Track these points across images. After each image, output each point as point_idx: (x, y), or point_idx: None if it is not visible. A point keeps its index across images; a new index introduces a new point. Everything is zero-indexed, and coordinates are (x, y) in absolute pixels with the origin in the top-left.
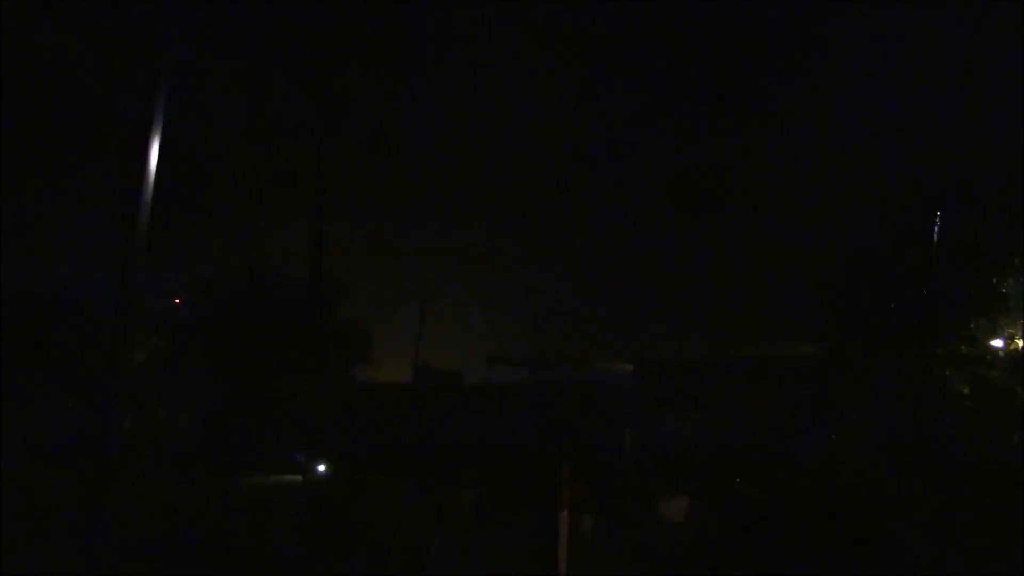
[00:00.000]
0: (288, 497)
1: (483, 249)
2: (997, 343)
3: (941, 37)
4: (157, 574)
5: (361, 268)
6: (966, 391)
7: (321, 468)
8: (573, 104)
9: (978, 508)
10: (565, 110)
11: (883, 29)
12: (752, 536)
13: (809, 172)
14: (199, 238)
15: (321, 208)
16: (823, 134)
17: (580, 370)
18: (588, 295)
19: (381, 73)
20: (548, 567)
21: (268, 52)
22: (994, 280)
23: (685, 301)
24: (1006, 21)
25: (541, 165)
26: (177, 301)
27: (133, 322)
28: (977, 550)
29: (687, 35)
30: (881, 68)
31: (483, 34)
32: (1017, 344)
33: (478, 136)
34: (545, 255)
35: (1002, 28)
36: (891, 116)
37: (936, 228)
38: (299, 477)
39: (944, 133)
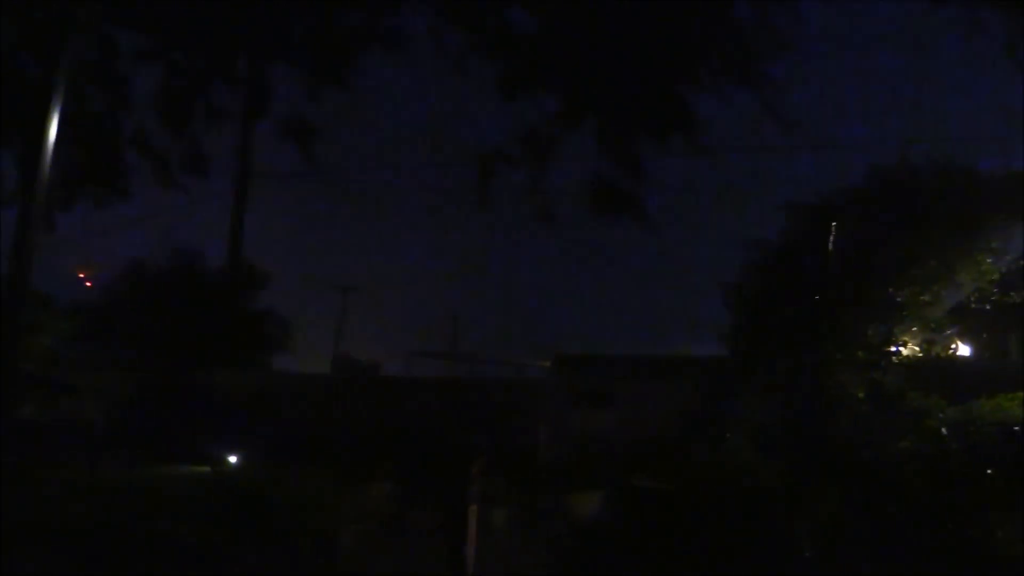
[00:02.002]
0: (196, 488)
1: (406, 242)
2: (892, 349)
3: (855, 46)
4: (49, 564)
5: (283, 257)
6: (861, 394)
7: (233, 459)
8: (495, 101)
9: (866, 506)
10: (487, 107)
11: (799, 37)
12: (650, 531)
13: (724, 178)
14: (117, 221)
15: (242, 196)
16: (738, 141)
17: (499, 365)
18: (510, 291)
19: (304, 63)
20: (457, 561)
21: (191, 37)
22: (890, 290)
23: (605, 300)
24: (920, 31)
25: (464, 160)
26: (88, 284)
27: (24, 305)
28: (863, 546)
29: (608, 38)
30: (796, 76)
31: (407, 29)
32: (914, 350)
33: (401, 129)
34: (468, 250)
35: (915, 38)
36: (806, 124)
37: (832, 237)
38: (207, 468)
39: (857, 141)
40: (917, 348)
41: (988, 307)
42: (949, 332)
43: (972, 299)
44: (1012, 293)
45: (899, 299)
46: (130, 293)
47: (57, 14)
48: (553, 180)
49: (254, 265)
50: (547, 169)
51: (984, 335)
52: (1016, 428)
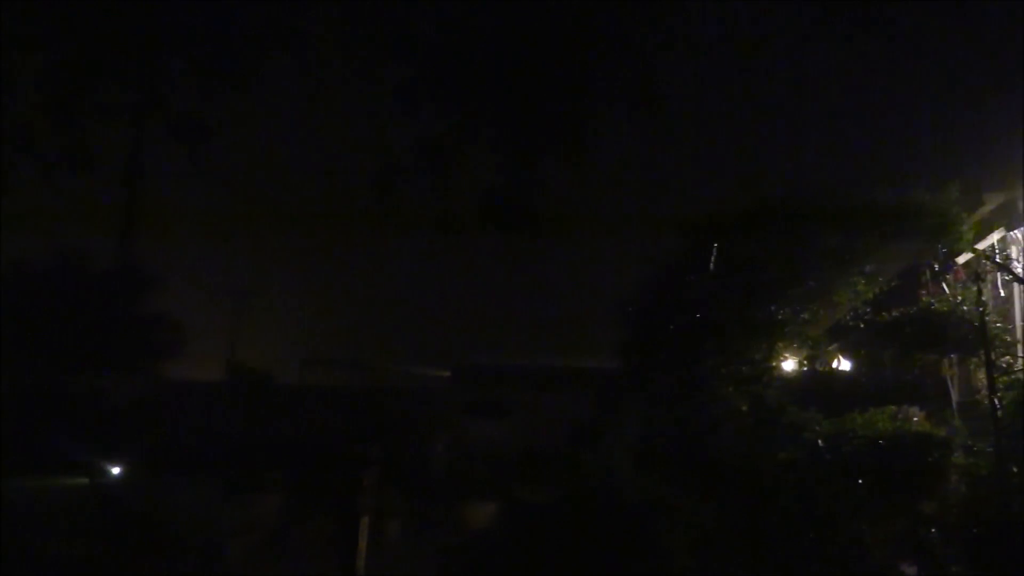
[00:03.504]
0: (74, 500)
1: (304, 248)
2: (773, 364)
3: (749, 73)
4: None
5: (174, 260)
6: (744, 408)
7: (116, 470)
8: (395, 108)
9: (742, 516)
10: (387, 113)
11: (701, 60)
12: (534, 543)
13: (624, 194)
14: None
15: (133, 196)
16: (637, 159)
17: (397, 374)
18: (409, 300)
19: (198, 60)
20: (348, 573)
21: (81, 28)
22: (772, 308)
23: (504, 311)
24: (816, 55)
25: (361, 167)
26: None
27: None
28: (736, 556)
29: (511, 50)
30: (696, 98)
31: (308, 30)
32: (797, 365)
33: (298, 133)
34: (367, 257)
35: (812, 60)
36: (705, 145)
37: (714, 257)
38: (86, 479)
39: (755, 162)
40: (800, 363)
41: (862, 326)
42: (831, 348)
43: (848, 318)
44: (884, 313)
45: (780, 317)
46: (6, 291)
47: None
48: (451, 190)
49: (144, 267)
50: (445, 179)
51: (863, 352)
52: (881, 442)
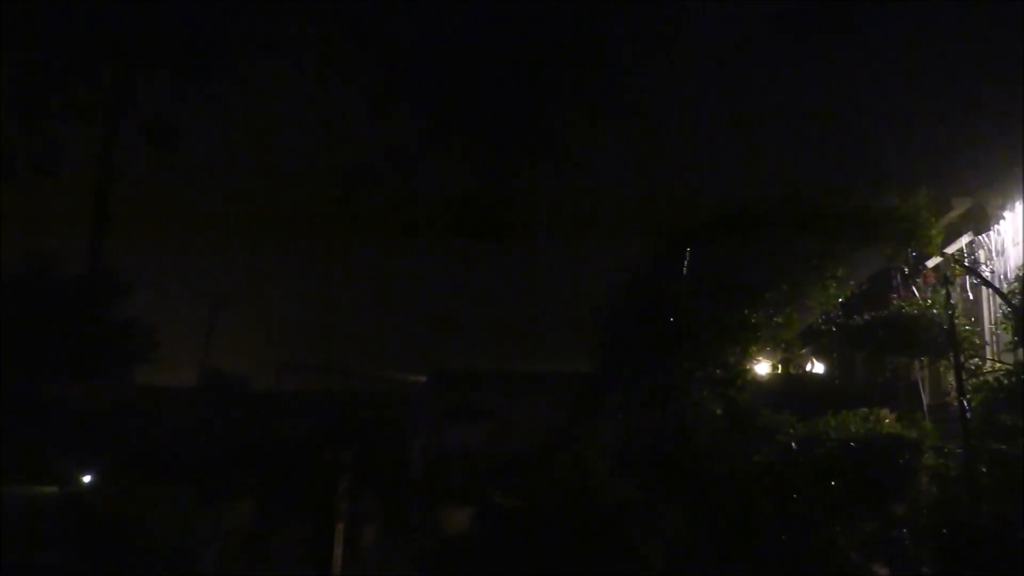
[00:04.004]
0: (43, 509)
1: (279, 253)
2: (747, 368)
3: (722, 80)
4: None
5: (147, 264)
6: (719, 411)
7: (87, 478)
8: (367, 113)
9: (716, 519)
10: (360, 117)
11: (674, 65)
12: (511, 548)
13: (597, 198)
14: None
15: (104, 198)
16: (609, 163)
17: (374, 379)
18: (385, 305)
19: (170, 63)
20: None
21: (48, 28)
22: (746, 311)
23: (479, 315)
24: (784, 63)
25: (336, 171)
26: None
27: None
28: (710, 558)
29: (484, 56)
30: (668, 103)
31: (279, 32)
32: (771, 368)
33: (273, 136)
34: (343, 262)
35: (777, 70)
36: (677, 150)
37: (687, 261)
38: (55, 488)
39: (727, 168)
40: (774, 366)
41: (834, 329)
42: (804, 352)
43: (821, 321)
44: (855, 316)
45: (753, 320)
46: None
47: None
48: (424, 195)
49: (116, 271)
50: (417, 184)
51: (835, 354)
52: (852, 444)
